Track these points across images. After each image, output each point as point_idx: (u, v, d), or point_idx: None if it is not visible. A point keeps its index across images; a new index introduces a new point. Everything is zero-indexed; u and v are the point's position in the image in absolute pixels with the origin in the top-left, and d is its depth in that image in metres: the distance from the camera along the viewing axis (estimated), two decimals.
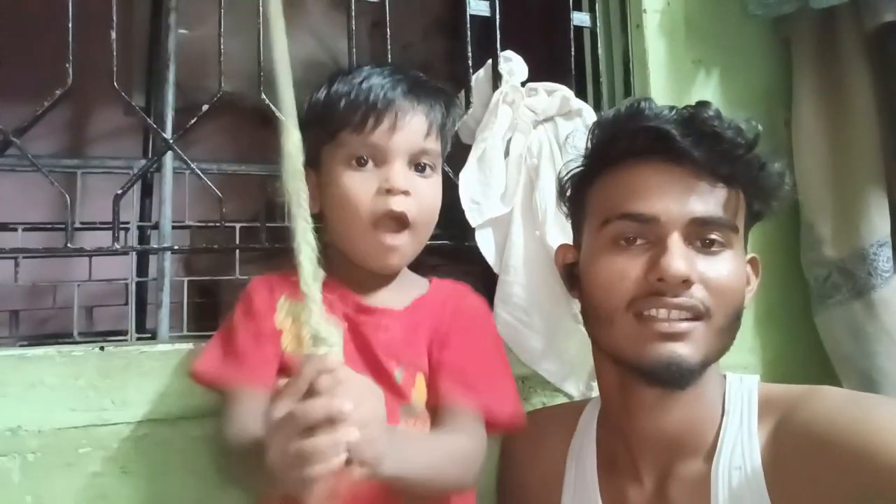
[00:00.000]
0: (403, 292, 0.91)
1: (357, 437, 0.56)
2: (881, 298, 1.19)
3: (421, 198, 0.87)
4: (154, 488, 0.89)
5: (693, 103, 0.82)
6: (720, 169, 0.77)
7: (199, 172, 1.02)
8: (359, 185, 0.85)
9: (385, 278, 0.91)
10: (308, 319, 0.58)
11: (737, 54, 1.33)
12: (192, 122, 1.02)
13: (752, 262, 0.84)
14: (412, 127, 0.86)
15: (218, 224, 1.04)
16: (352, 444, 0.56)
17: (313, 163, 0.86)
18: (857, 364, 1.20)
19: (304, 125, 0.83)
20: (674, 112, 0.80)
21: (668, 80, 1.25)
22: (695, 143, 0.76)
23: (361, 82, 0.87)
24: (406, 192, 0.85)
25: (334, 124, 0.86)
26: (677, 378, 0.76)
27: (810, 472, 0.69)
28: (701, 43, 1.30)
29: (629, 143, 0.80)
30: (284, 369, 0.82)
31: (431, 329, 0.87)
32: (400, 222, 0.85)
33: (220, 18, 1.06)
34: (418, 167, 0.88)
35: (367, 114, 0.84)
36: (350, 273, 0.89)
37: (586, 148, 0.87)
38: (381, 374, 0.82)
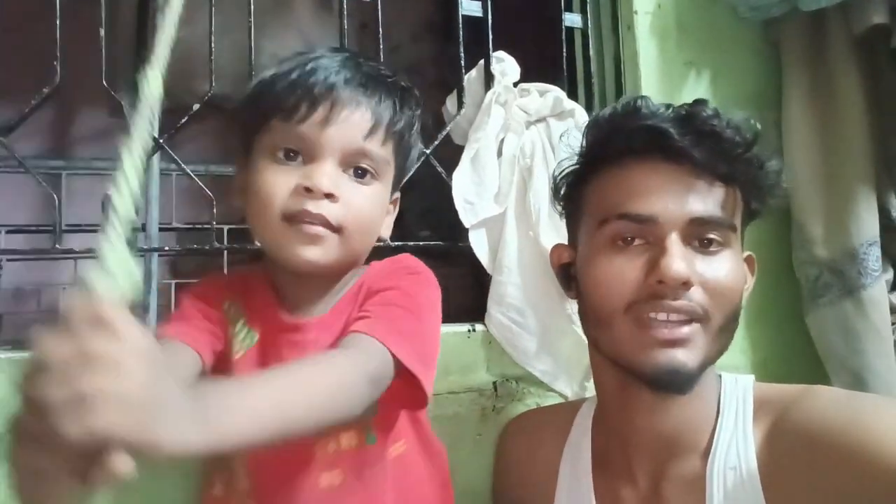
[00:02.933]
0: (336, 294, 0.80)
1: (111, 420, 0.39)
2: (870, 297, 1.20)
3: (350, 205, 0.74)
4: (141, 491, 0.87)
5: (689, 102, 0.81)
6: (719, 168, 0.76)
7: (191, 174, 1.01)
8: (277, 181, 0.73)
9: (317, 285, 0.79)
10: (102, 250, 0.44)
11: (727, 56, 1.33)
12: (183, 121, 1.01)
13: (748, 260, 0.84)
14: (351, 122, 0.74)
15: (205, 226, 1.03)
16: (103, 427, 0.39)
17: (246, 150, 0.77)
18: (848, 362, 1.20)
19: (242, 105, 0.79)
20: (671, 110, 0.79)
21: (659, 82, 1.26)
22: (693, 142, 0.75)
23: (307, 63, 0.75)
24: (330, 196, 0.73)
25: (266, 106, 0.75)
26: (677, 384, 0.75)
27: (806, 472, 0.69)
28: (692, 45, 1.30)
29: (626, 141, 0.79)
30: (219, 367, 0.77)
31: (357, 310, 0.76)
32: (320, 221, 0.73)
33: (210, 18, 1.05)
34: (357, 171, 0.75)
35: (301, 100, 0.73)
36: (279, 275, 0.80)
37: (581, 146, 0.86)
38: None
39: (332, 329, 0.76)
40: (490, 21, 1.18)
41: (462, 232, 1.07)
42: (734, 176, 0.77)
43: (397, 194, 0.86)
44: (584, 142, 0.85)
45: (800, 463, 0.69)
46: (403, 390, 0.71)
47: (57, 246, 0.96)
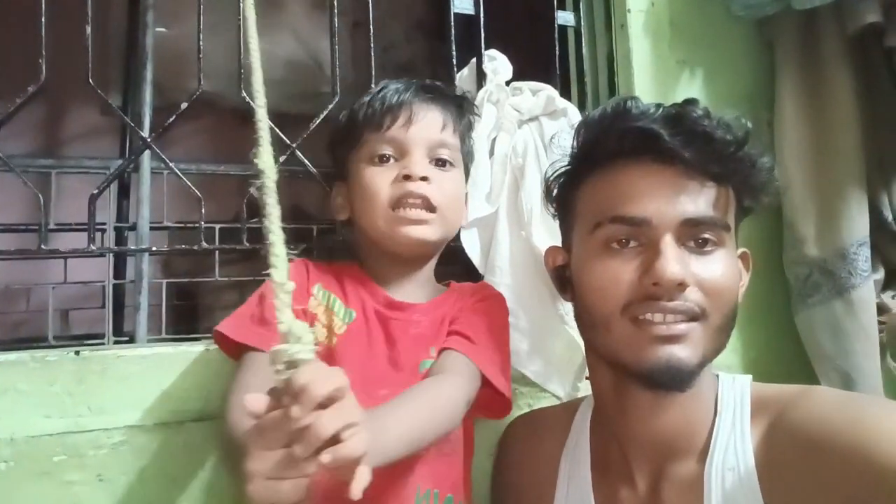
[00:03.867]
0: (428, 290, 0.95)
1: (356, 443, 0.53)
2: (860, 297, 1.20)
3: (442, 187, 0.90)
4: (131, 496, 0.87)
5: (679, 101, 0.80)
6: (711, 168, 0.76)
7: (178, 172, 1.00)
8: (379, 177, 0.89)
9: (412, 271, 0.94)
10: (280, 317, 0.54)
11: (720, 55, 1.33)
12: (171, 119, 0.99)
13: (742, 256, 0.83)
14: (428, 120, 0.91)
15: (197, 225, 1.02)
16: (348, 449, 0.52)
17: (342, 175, 0.95)
18: (836, 362, 1.21)
19: (332, 145, 0.97)
20: (661, 110, 0.79)
21: (652, 80, 1.25)
22: (684, 143, 0.75)
23: (378, 91, 0.93)
24: (425, 178, 0.88)
25: (357, 130, 0.92)
26: (677, 381, 0.75)
27: (804, 473, 0.68)
28: (685, 43, 1.30)
29: (617, 143, 0.79)
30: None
31: (453, 314, 0.92)
32: (422, 205, 0.88)
33: (199, 15, 1.03)
34: (438, 162, 0.91)
35: (384, 113, 0.90)
36: (379, 266, 0.93)
37: (572, 147, 0.86)
38: (406, 366, 0.86)
39: (431, 316, 0.91)
40: (482, 19, 1.17)
41: None
42: (726, 175, 0.77)
43: (466, 188, 1.01)
44: (575, 143, 0.85)
45: (798, 463, 0.69)
46: (491, 401, 0.89)
47: (42, 246, 0.95)
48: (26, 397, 0.85)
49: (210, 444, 0.89)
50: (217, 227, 1.48)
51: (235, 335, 0.82)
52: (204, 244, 1.02)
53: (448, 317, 0.91)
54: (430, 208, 0.89)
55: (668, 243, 0.74)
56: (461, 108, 0.97)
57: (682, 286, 0.73)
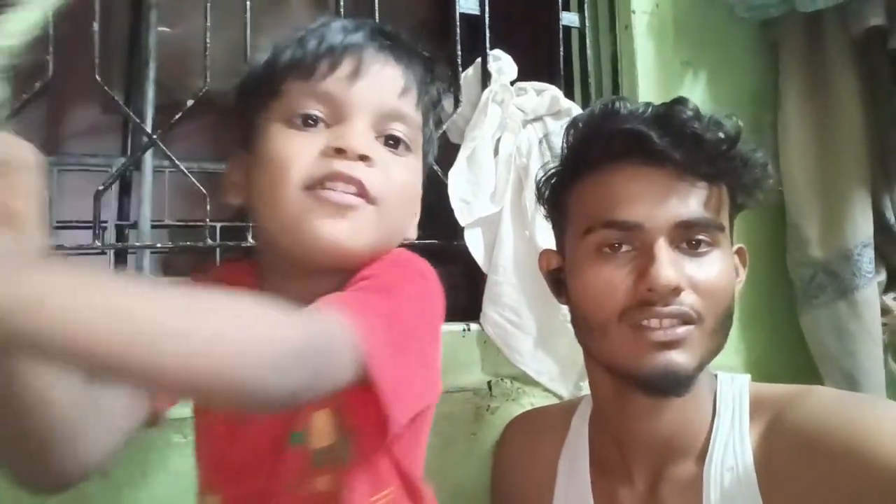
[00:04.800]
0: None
1: None
2: (864, 299, 1.20)
3: (389, 174, 0.63)
4: (135, 493, 0.87)
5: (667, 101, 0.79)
6: (701, 168, 0.75)
7: (184, 169, 1.00)
8: (297, 145, 0.61)
9: (323, 287, 0.58)
10: None
11: (724, 56, 1.33)
12: (177, 117, 0.99)
13: (739, 252, 0.83)
14: (384, 76, 0.63)
15: (197, 223, 1.02)
16: None
17: (244, 142, 0.67)
18: (841, 363, 1.21)
19: (237, 98, 0.69)
20: (650, 110, 0.78)
21: (656, 81, 1.25)
22: (673, 144, 0.74)
23: (316, 27, 0.65)
24: (366, 158, 0.61)
25: (274, 77, 0.63)
26: (675, 386, 0.75)
27: (802, 472, 0.69)
28: (689, 45, 1.30)
29: (605, 146, 0.78)
30: None
31: None
32: (354, 190, 0.60)
33: (206, 12, 1.03)
34: (389, 140, 0.64)
35: (320, 55, 0.62)
36: (277, 278, 0.65)
37: (562, 149, 0.85)
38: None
39: None
40: (487, 19, 1.17)
41: (457, 231, 1.07)
42: (718, 175, 0.76)
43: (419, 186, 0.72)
44: (564, 145, 0.84)
45: (797, 463, 0.69)
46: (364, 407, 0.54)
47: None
48: None
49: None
50: (218, 225, 1.48)
51: None
52: (209, 241, 1.02)
53: None
54: (367, 197, 0.61)
55: (662, 247, 0.74)
56: (429, 73, 0.69)
57: (676, 291, 0.73)
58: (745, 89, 1.34)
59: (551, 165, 0.87)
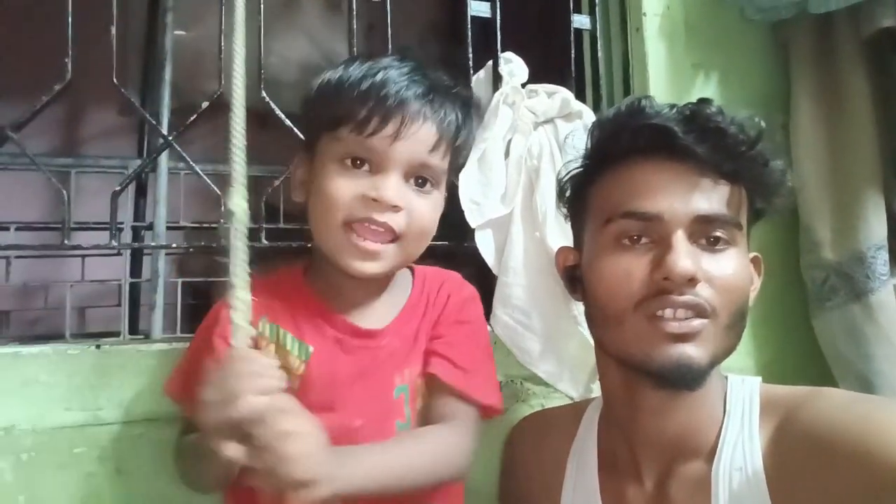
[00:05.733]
0: (392, 300, 0.86)
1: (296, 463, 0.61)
2: (878, 301, 1.20)
3: (413, 214, 0.80)
4: (149, 488, 0.88)
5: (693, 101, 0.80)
6: (723, 165, 0.76)
7: (199, 170, 1.02)
8: (344, 186, 0.78)
9: (372, 288, 0.85)
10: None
11: (736, 58, 1.33)
12: (192, 119, 1.01)
13: (754, 260, 0.83)
14: (419, 137, 0.78)
15: (212, 225, 1.03)
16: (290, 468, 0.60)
17: (310, 148, 0.83)
18: (855, 367, 1.20)
19: (309, 105, 0.84)
20: (675, 110, 0.79)
21: (667, 84, 1.26)
22: (697, 140, 0.75)
23: (377, 73, 0.79)
24: (396, 208, 0.78)
25: (337, 114, 0.78)
26: (687, 379, 0.75)
27: (812, 474, 0.68)
28: (700, 47, 1.31)
29: (630, 140, 0.79)
30: None
31: (428, 327, 0.85)
32: (383, 234, 0.79)
33: (221, 15, 1.05)
34: (417, 181, 0.81)
35: (372, 113, 0.77)
36: (332, 280, 0.83)
37: (586, 147, 0.86)
38: (379, 393, 0.81)
39: (401, 334, 0.84)
40: (498, 22, 1.18)
41: (467, 232, 1.07)
42: (739, 174, 0.77)
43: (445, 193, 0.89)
44: (589, 143, 0.85)
45: (807, 464, 0.69)
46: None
47: (66, 242, 0.97)
48: (48, 389, 0.86)
49: None
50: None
51: (184, 401, 0.81)
52: (223, 241, 1.03)
53: (423, 331, 0.85)
54: (393, 237, 0.79)
55: (680, 239, 0.74)
56: (464, 116, 0.85)
57: (692, 281, 0.73)
58: (757, 91, 1.34)
59: (574, 163, 0.88)
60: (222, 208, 1.00)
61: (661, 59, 1.26)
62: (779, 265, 1.28)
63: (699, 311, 0.74)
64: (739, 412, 0.78)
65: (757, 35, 1.35)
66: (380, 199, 0.76)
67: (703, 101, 0.78)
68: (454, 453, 0.78)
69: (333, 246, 0.79)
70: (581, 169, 0.87)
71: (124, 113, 1.99)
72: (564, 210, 0.92)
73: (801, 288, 1.28)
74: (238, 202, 0.64)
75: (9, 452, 0.83)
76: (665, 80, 1.25)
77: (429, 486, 0.76)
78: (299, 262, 0.90)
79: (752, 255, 0.82)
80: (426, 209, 0.81)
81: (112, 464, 0.87)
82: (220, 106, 1.08)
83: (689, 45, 1.30)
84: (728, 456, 0.75)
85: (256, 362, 0.64)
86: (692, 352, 0.74)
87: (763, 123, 0.78)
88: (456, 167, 0.89)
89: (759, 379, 0.82)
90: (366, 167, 0.78)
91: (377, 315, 0.84)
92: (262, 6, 1.07)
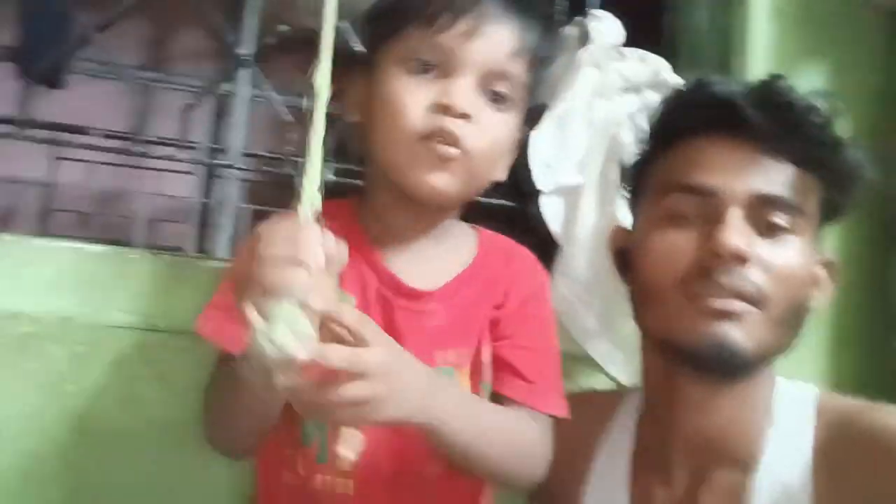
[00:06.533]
0: (447, 255, 0.76)
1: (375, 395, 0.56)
2: None
3: (486, 130, 0.69)
4: (188, 400, 0.90)
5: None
6: (790, 146, 0.71)
7: (275, 95, 1.01)
8: (411, 94, 0.68)
9: (428, 225, 0.75)
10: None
11: (852, 47, 1.21)
12: (271, 40, 1.00)
13: (827, 264, 0.77)
14: (497, 38, 0.68)
15: (284, 155, 1.03)
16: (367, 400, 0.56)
17: (370, 60, 0.73)
18: None
19: (372, 11, 0.75)
20: (743, 86, 0.75)
21: (769, 66, 1.15)
22: (765, 117, 0.71)
23: None
24: (466, 116, 0.67)
25: (403, 12, 0.69)
26: (727, 363, 0.70)
27: (871, 491, 0.64)
28: (812, 29, 1.19)
29: (694, 115, 0.76)
30: None
31: (487, 305, 0.75)
32: (453, 144, 0.68)
33: None
34: (494, 95, 0.70)
35: (444, 7, 0.67)
36: (385, 211, 0.74)
37: (651, 122, 0.82)
38: None
39: (452, 304, 0.73)
40: None
41: (530, 194, 1.03)
42: (805, 156, 0.72)
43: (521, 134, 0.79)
44: (654, 119, 0.82)
45: (865, 482, 0.65)
46: None
47: (145, 153, 0.99)
48: (106, 289, 0.89)
49: None
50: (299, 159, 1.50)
51: (220, 342, 0.70)
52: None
53: (480, 307, 0.74)
54: (461, 149, 0.68)
55: (734, 214, 0.70)
56: (549, 29, 0.76)
57: (742, 259, 0.68)
58: (871, 87, 1.21)
59: (639, 144, 0.85)
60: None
61: (765, 37, 1.16)
62: (862, 279, 1.19)
63: (747, 297, 0.69)
64: (789, 420, 0.73)
65: (879, 24, 1.23)
66: (451, 105, 0.67)
67: (774, 77, 0.74)
68: (537, 445, 0.73)
69: (404, 161, 0.69)
70: (645, 148, 0.83)
71: (210, 36, 2.02)
72: (626, 193, 0.88)
73: (885, 305, 1.19)
74: (322, 77, 0.58)
75: (64, 342, 0.86)
76: (767, 61, 1.15)
77: (503, 469, 0.70)
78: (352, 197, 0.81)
79: (825, 259, 0.76)
80: (501, 127, 0.71)
81: (157, 369, 0.89)
82: (305, 42, 1.07)
83: (800, 25, 1.18)
84: (770, 468, 0.71)
85: (329, 238, 0.55)
86: (734, 333, 0.69)
87: (840, 104, 0.73)
88: (535, 92, 0.77)
89: (816, 387, 0.76)
90: (433, 72, 0.68)
91: (428, 274, 0.74)
92: None
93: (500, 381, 0.74)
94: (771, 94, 0.72)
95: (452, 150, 0.67)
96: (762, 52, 1.16)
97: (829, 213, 0.76)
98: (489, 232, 0.81)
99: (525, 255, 0.81)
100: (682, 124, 0.77)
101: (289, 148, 1.04)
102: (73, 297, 0.87)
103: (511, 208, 1.08)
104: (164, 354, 0.89)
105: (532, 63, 0.72)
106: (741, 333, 0.69)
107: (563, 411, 0.76)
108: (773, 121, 0.71)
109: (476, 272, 0.76)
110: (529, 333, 0.76)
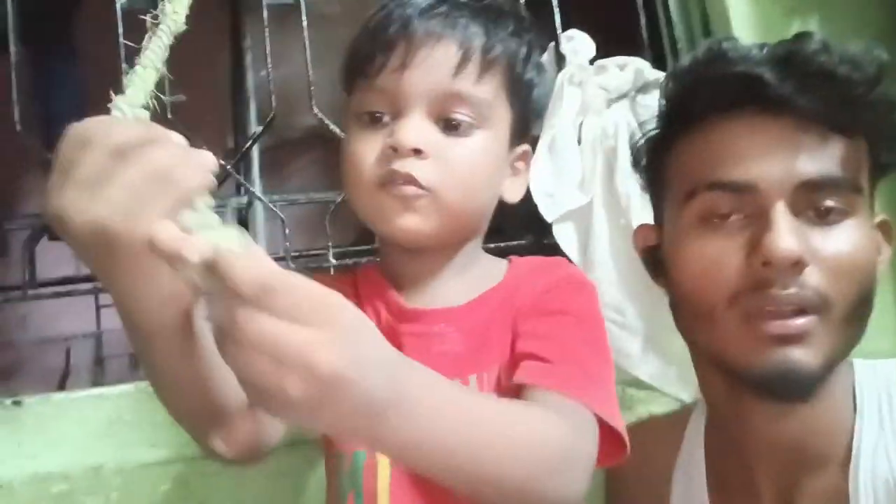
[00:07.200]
0: (470, 282, 0.68)
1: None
2: None
3: (448, 161, 0.62)
4: None
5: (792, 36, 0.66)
6: (834, 116, 0.62)
7: (262, 198, 1.02)
8: (364, 145, 0.64)
9: (434, 264, 0.68)
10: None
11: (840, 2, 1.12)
12: (248, 146, 1.02)
13: (882, 225, 0.69)
14: (434, 60, 0.61)
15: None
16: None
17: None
18: None
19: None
20: (765, 51, 0.65)
21: (755, 36, 1.08)
22: (797, 88, 0.61)
23: (384, 6, 0.65)
24: (418, 152, 0.61)
25: (347, 73, 0.67)
26: (795, 390, 0.63)
27: None
28: None
29: (712, 94, 0.66)
30: None
31: (507, 319, 0.65)
32: (410, 184, 0.62)
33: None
34: (451, 123, 0.63)
35: (374, 48, 0.62)
36: (390, 257, 0.70)
37: (660, 106, 0.74)
38: None
39: (466, 325, 0.65)
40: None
41: (543, 228, 0.99)
42: (855, 124, 0.63)
43: (525, 147, 0.72)
44: (662, 99, 0.73)
45: None
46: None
47: None
48: (132, 428, 0.87)
49: (305, 469, 0.88)
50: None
51: None
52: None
53: (498, 322, 0.65)
54: (421, 188, 0.62)
55: (781, 212, 0.61)
56: (495, 26, 0.65)
57: (798, 266, 0.60)
58: (872, 26, 1.12)
59: (650, 125, 0.77)
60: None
61: (745, 9, 1.10)
62: None
63: (807, 307, 0.61)
64: (875, 408, 0.65)
65: None
66: (395, 144, 0.61)
67: (803, 36, 0.64)
68: (568, 447, 0.52)
69: (372, 212, 0.65)
70: (656, 131, 0.75)
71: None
72: (641, 181, 0.80)
73: None
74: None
75: (98, 492, 0.85)
76: (753, 33, 1.08)
77: (517, 483, 0.49)
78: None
79: (879, 218, 0.68)
80: (462, 155, 0.63)
81: (197, 500, 0.87)
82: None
83: None
84: (868, 464, 0.62)
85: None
86: (800, 356, 0.61)
87: (884, 55, 0.63)
88: (519, 96, 0.68)
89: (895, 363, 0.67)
90: (385, 119, 0.64)
91: (444, 297, 0.67)
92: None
93: (516, 373, 0.60)
94: (801, 59, 0.62)
95: (409, 190, 0.61)
96: (744, 26, 1.09)
97: (880, 174, 0.68)
98: (522, 258, 0.73)
99: (551, 260, 0.73)
100: (699, 106, 0.68)
101: None
102: (99, 443, 0.86)
103: (527, 246, 1.03)
104: (199, 482, 0.87)
105: (508, 65, 0.65)
106: (807, 353, 0.61)
107: (603, 406, 0.58)
108: (808, 92, 0.61)
109: (497, 293, 0.68)
110: (548, 324, 0.63)
